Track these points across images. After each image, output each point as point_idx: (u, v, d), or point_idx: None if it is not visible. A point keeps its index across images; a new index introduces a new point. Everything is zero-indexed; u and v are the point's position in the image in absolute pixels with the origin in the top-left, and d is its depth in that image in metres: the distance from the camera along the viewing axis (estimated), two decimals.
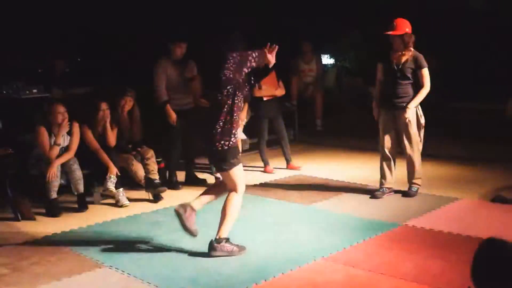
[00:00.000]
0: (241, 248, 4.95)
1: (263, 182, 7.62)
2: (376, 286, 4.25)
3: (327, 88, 11.81)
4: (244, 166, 8.27)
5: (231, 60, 4.75)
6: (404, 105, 6.32)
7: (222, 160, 4.86)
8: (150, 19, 9.55)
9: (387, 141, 6.56)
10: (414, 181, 6.58)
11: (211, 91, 4.97)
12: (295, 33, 11.33)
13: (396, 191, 6.69)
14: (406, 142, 6.44)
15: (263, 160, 8.31)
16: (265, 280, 4.37)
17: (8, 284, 4.49)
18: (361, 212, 6.05)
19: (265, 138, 8.29)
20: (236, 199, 4.95)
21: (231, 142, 4.83)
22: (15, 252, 5.18)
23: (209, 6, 10.83)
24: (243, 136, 8.04)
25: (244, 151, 8.83)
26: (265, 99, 8.09)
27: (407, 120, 6.32)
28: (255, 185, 7.45)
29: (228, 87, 4.73)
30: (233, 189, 4.95)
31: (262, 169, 8.29)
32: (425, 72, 6.33)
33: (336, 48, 14.43)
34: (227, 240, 4.90)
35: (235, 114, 4.80)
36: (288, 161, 8.35)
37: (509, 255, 2.14)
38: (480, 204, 6.29)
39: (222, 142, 4.79)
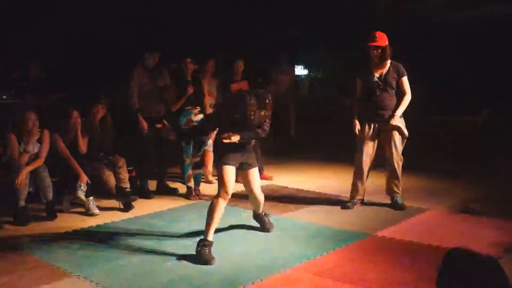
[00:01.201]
0: (213, 260, 5.00)
1: (235, 192, 7.57)
2: None
3: (300, 99, 11.87)
4: (216, 176, 8.37)
5: None
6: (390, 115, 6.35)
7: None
8: (126, 28, 9.53)
9: (367, 156, 6.53)
10: (397, 190, 6.59)
11: None
12: (269, 43, 11.38)
13: (378, 204, 6.72)
14: (393, 152, 6.43)
15: None
16: None
17: None
18: (331, 222, 6.08)
19: None
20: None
21: None
22: None
23: (186, 16, 10.83)
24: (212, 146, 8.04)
25: None
26: None
27: (396, 129, 6.34)
28: None
29: None
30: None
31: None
32: (406, 80, 6.38)
33: (310, 59, 14.53)
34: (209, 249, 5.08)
35: None
36: (260, 171, 8.33)
37: (474, 265, 2.16)
38: (449, 215, 6.36)
39: None
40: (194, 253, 5.07)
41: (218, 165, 5.28)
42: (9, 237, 5.78)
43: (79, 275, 4.67)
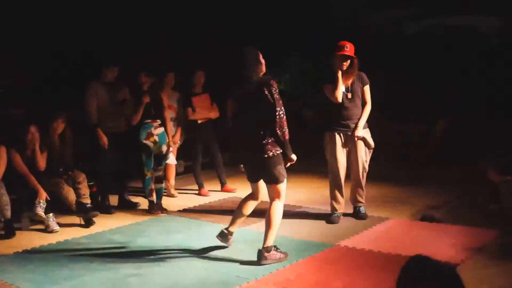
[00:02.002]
0: (286, 254, 5.27)
1: (197, 205, 7.60)
2: None
3: None
4: (178, 189, 8.37)
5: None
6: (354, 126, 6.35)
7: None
8: (85, 41, 9.44)
9: (342, 166, 6.47)
10: (361, 200, 6.59)
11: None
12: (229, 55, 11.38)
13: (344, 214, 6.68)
14: (359, 163, 6.43)
15: (198, 183, 8.29)
16: None
17: None
18: (294, 234, 6.08)
19: (200, 161, 8.27)
20: (280, 207, 5.30)
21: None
22: None
23: (145, 28, 10.77)
24: (174, 161, 8.02)
25: (178, 173, 8.82)
26: (199, 121, 8.09)
27: (361, 139, 6.35)
28: (190, 208, 7.41)
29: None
30: (277, 197, 5.26)
31: (197, 191, 8.26)
32: (368, 88, 6.40)
33: (272, 71, 14.58)
34: (276, 248, 5.24)
35: None
36: (223, 184, 8.35)
37: (432, 272, 2.19)
38: (410, 223, 6.42)
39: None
40: (157, 268, 5.03)
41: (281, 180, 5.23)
42: None
43: None
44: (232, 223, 5.64)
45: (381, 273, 4.77)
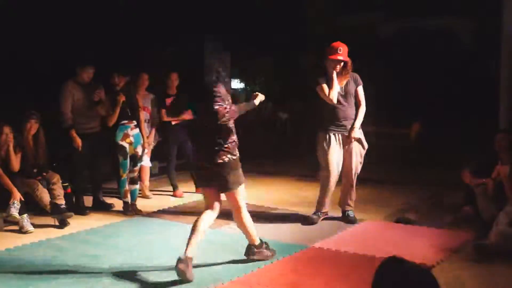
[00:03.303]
0: (274, 253, 5.36)
1: (172, 207, 7.62)
2: None
3: None
4: (153, 191, 8.38)
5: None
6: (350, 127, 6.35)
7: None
8: (60, 42, 9.37)
9: (336, 167, 6.43)
10: (351, 204, 6.59)
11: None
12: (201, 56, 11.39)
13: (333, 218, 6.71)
14: (353, 166, 6.42)
15: (172, 185, 8.31)
16: None
17: None
18: (269, 235, 6.08)
19: (174, 162, 8.29)
20: (244, 213, 5.24)
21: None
22: None
23: (124, 30, 10.74)
24: (148, 163, 8.03)
25: (152, 175, 8.82)
26: (173, 123, 8.11)
27: (357, 140, 6.37)
28: (164, 210, 7.44)
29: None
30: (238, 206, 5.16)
31: (171, 193, 8.28)
32: (361, 89, 6.41)
33: (246, 73, 14.64)
34: (266, 244, 5.34)
35: None
36: (197, 186, 8.36)
37: (407, 274, 2.22)
38: (385, 225, 6.51)
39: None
40: (131, 270, 5.05)
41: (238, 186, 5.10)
42: None
43: None
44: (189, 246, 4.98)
45: (355, 274, 4.84)
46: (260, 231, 6.23)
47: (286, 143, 10.71)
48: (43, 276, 5.01)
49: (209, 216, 5.10)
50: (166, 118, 8.07)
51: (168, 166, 8.35)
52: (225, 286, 4.72)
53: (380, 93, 10.92)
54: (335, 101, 6.29)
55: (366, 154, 6.53)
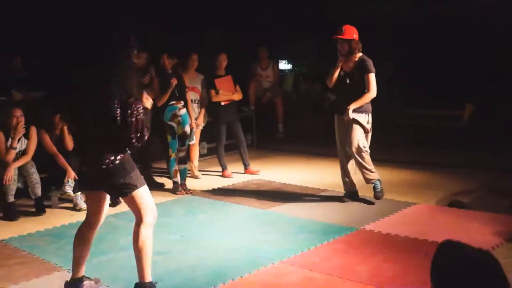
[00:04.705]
0: None
1: (221, 187, 7.69)
2: None
3: (285, 94, 11.93)
4: (202, 171, 8.47)
5: None
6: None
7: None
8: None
9: (340, 148, 6.59)
10: (370, 177, 6.46)
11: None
12: (252, 39, 11.41)
13: (365, 198, 6.69)
14: (352, 145, 6.32)
15: (221, 165, 8.37)
16: (224, 283, 4.42)
17: None
18: (318, 216, 6.13)
19: (223, 143, 8.35)
20: (149, 231, 4.18)
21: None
22: None
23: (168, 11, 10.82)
24: (194, 140, 8.09)
25: (202, 155, 8.91)
26: (222, 103, 8.17)
27: (347, 122, 6.29)
28: (213, 190, 7.51)
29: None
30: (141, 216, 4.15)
31: (220, 173, 8.35)
32: (371, 77, 6.29)
33: (294, 53, 14.57)
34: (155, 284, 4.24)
35: None
36: (246, 166, 8.43)
37: (467, 257, 2.19)
38: (437, 208, 6.40)
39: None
40: (181, 248, 5.14)
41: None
42: None
43: (68, 269, 4.68)
44: (76, 266, 4.30)
45: (408, 259, 4.80)
46: (309, 212, 6.30)
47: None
48: (95, 252, 5.10)
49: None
50: (215, 99, 8.12)
51: (217, 147, 8.41)
52: (276, 266, 4.76)
53: (431, 72, 10.76)
54: (330, 85, 6.61)
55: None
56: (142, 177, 4.32)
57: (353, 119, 6.30)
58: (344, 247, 5.19)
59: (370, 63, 6.33)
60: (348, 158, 6.60)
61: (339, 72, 6.47)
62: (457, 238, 2.38)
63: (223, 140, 8.34)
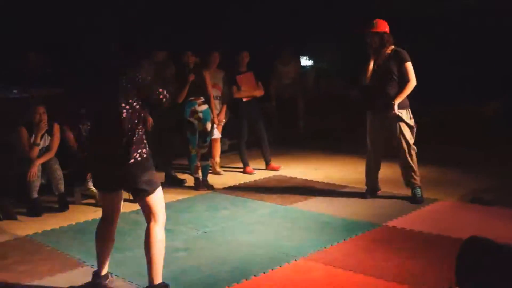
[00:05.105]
0: None
1: (243, 183, 7.68)
2: (356, 285, 4.31)
3: (306, 90, 11.89)
4: (224, 167, 8.48)
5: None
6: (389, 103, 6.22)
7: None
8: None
9: (375, 146, 6.46)
10: (415, 182, 6.43)
11: None
12: (275, 35, 11.41)
13: (388, 195, 6.68)
14: (401, 143, 6.30)
15: (242, 161, 8.37)
16: (246, 279, 4.41)
17: None
18: (340, 213, 6.11)
19: (245, 139, 8.34)
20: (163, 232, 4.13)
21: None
22: None
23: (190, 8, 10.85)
24: (218, 135, 8.09)
25: (223, 152, 8.92)
26: (244, 100, 8.16)
27: (396, 117, 6.22)
28: (235, 186, 7.51)
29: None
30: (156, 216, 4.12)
31: (242, 169, 8.35)
32: (409, 66, 6.20)
33: (315, 50, 14.52)
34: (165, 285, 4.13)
35: None
36: (267, 162, 8.42)
37: (492, 252, 2.17)
38: (460, 205, 6.36)
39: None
40: (204, 244, 5.14)
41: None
42: (23, 228, 5.85)
43: (92, 265, 4.72)
44: (101, 262, 4.32)
45: (431, 255, 4.77)
46: (332, 208, 6.28)
47: (356, 121, 10.60)
48: (119, 248, 5.12)
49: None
50: (237, 95, 8.12)
51: (238, 143, 8.41)
52: (298, 262, 4.75)
53: (455, 67, 10.66)
54: (365, 82, 6.38)
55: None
56: None
57: (398, 116, 6.24)
58: (367, 243, 5.17)
59: (405, 53, 6.28)
60: (379, 158, 6.51)
61: (373, 66, 6.36)
62: (481, 234, 2.36)
63: (244, 136, 8.33)
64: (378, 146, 6.50)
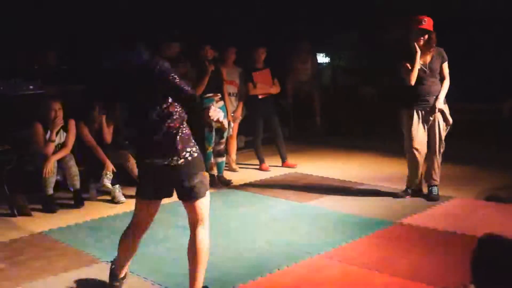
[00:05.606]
0: None
1: (258, 180, 7.66)
2: (371, 283, 4.29)
3: (323, 87, 11.85)
4: (240, 164, 8.46)
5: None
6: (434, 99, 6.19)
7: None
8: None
9: (419, 144, 6.31)
10: (435, 178, 6.41)
11: None
12: (292, 32, 11.36)
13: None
14: (437, 139, 6.28)
15: (258, 158, 8.35)
16: (261, 276, 4.40)
17: (6, 279, 4.52)
18: (356, 210, 6.08)
19: (261, 136, 8.32)
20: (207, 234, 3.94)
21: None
22: (12, 247, 5.22)
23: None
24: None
25: (239, 149, 8.91)
26: (260, 97, 8.14)
27: (441, 113, 6.20)
28: (251, 183, 7.49)
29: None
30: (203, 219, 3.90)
31: (258, 166, 8.33)
32: (447, 65, 6.24)
33: (332, 47, 14.45)
34: None
35: None
36: (283, 159, 8.39)
37: (508, 250, 2.15)
38: (475, 202, 6.31)
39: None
40: (220, 241, 5.12)
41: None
42: (38, 224, 5.88)
43: (107, 261, 4.72)
44: (122, 266, 4.21)
45: (446, 253, 4.74)
46: (347, 206, 6.24)
47: (370, 118, 10.57)
48: None
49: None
50: (253, 92, 8.09)
51: (254, 140, 8.39)
52: (314, 259, 4.73)
53: (471, 65, 10.54)
54: (412, 82, 6.17)
55: (454, 131, 6.33)
56: None
57: (442, 111, 6.22)
58: (383, 241, 5.13)
59: (444, 51, 6.27)
60: (423, 155, 6.39)
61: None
62: (497, 231, 2.33)
63: (260, 133, 8.31)
64: (422, 143, 6.34)
